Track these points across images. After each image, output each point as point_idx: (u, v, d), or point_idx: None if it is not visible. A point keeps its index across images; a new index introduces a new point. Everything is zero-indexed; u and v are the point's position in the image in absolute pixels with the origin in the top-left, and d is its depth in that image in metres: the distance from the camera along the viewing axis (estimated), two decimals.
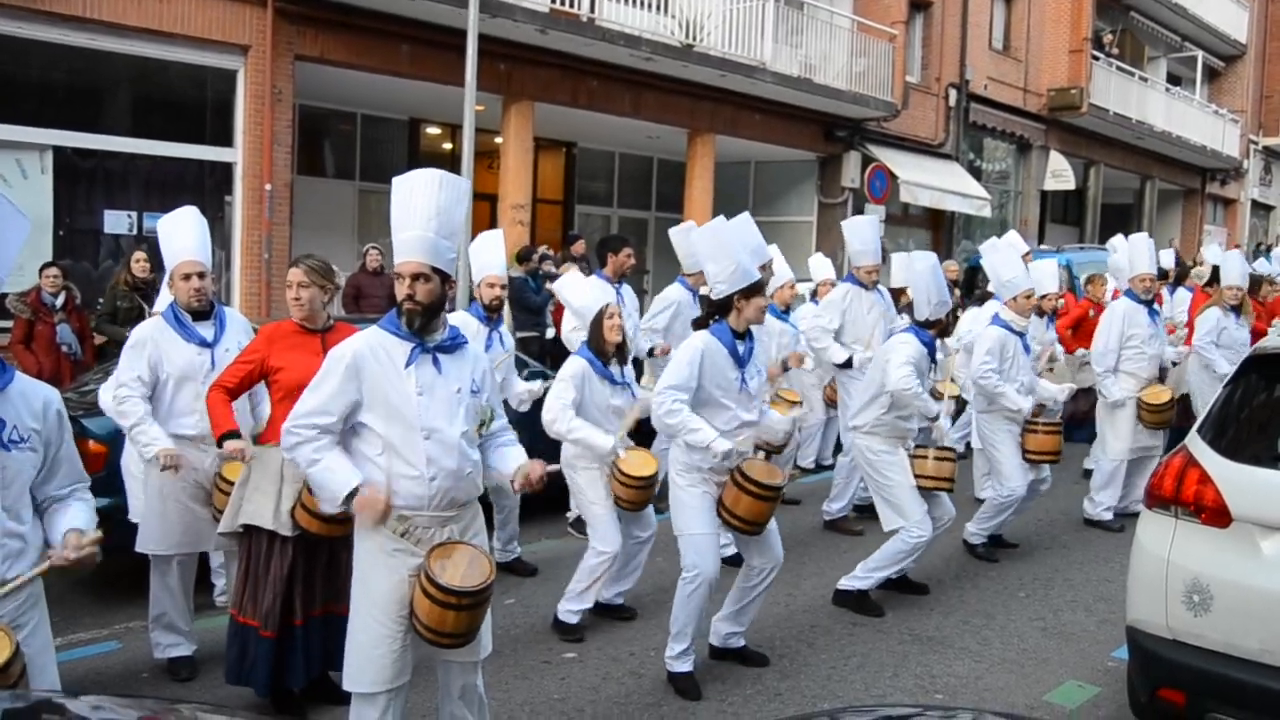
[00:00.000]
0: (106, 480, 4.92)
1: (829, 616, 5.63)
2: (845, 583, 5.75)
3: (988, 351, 6.43)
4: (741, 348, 4.54)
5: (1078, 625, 5.64)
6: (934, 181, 17.70)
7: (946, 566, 6.53)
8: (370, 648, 3.33)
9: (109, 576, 5.87)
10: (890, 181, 16.83)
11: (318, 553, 4.13)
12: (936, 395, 6.06)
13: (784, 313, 7.61)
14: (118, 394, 4.47)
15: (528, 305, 10.32)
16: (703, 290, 7.41)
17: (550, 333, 9.45)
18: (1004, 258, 6.79)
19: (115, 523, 4.71)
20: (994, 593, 6.14)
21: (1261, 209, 31.14)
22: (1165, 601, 3.77)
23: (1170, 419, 7.60)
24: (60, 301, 8.54)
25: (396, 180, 3.42)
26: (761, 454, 4.68)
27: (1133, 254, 7.76)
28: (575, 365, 5.18)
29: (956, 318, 7.72)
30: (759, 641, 5.09)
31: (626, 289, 7.26)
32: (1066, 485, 7.67)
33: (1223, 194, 29.01)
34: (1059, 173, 21.61)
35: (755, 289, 4.50)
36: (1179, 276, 11.75)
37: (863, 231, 7.39)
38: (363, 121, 14.22)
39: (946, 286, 5.88)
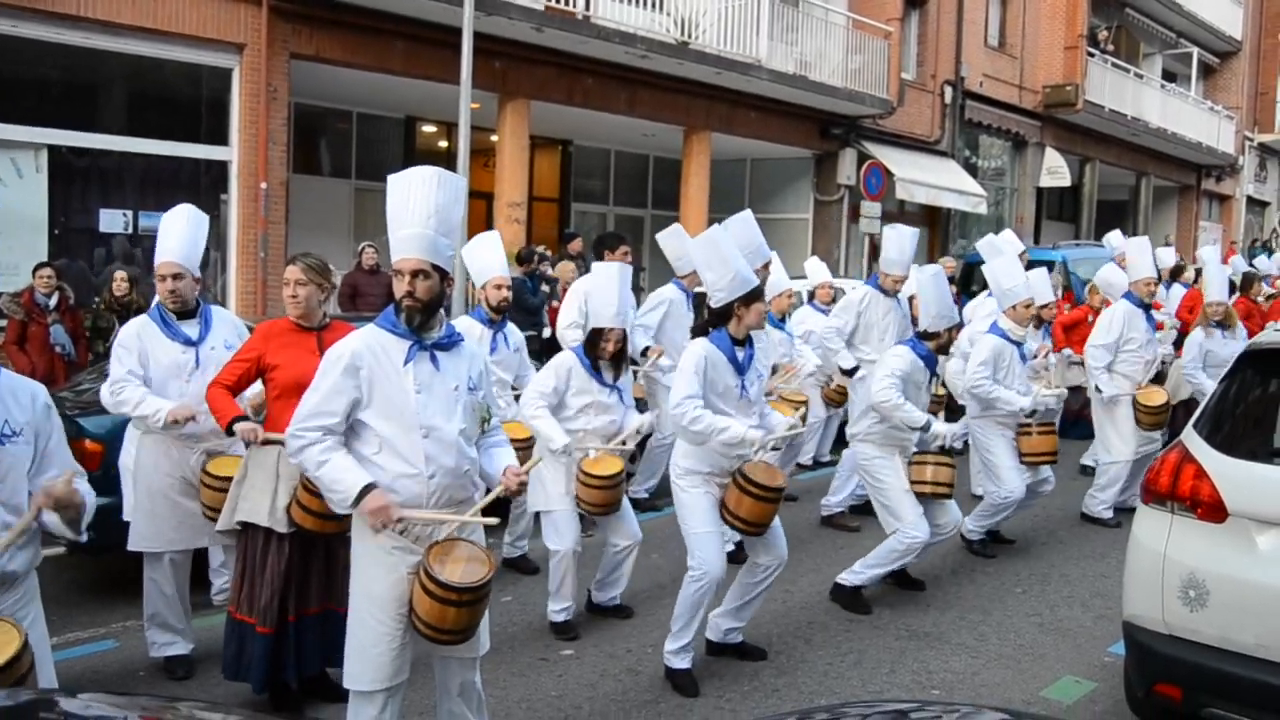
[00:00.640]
0: (103, 479, 4.90)
1: (826, 613, 5.64)
2: (841, 578, 5.76)
3: (982, 361, 6.43)
4: (741, 355, 4.54)
5: (1074, 621, 5.65)
6: (930, 178, 17.71)
7: (943, 563, 6.54)
8: (369, 646, 3.33)
9: (106, 576, 5.88)
10: (886, 179, 16.84)
11: (314, 550, 4.14)
12: (938, 402, 6.04)
13: (781, 321, 7.60)
14: (113, 388, 4.50)
15: (525, 305, 10.31)
16: (697, 289, 7.44)
17: (547, 332, 9.45)
18: (1005, 266, 6.75)
19: (112, 522, 4.73)
20: (991, 589, 6.15)
21: (1257, 205, 31.20)
22: (1161, 597, 3.78)
23: (1165, 420, 7.63)
24: (54, 302, 8.52)
25: (393, 178, 3.41)
26: (765, 453, 4.67)
27: (1133, 259, 7.79)
28: (564, 357, 5.23)
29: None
30: (756, 638, 5.09)
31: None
32: (1063, 482, 7.66)
33: (1218, 190, 29.05)
34: (1054, 169, 21.63)
35: (754, 295, 4.50)
36: (1174, 273, 11.78)
37: (903, 242, 7.34)
38: (358, 120, 14.21)
39: (951, 301, 5.88)
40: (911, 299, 8.29)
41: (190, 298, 4.64)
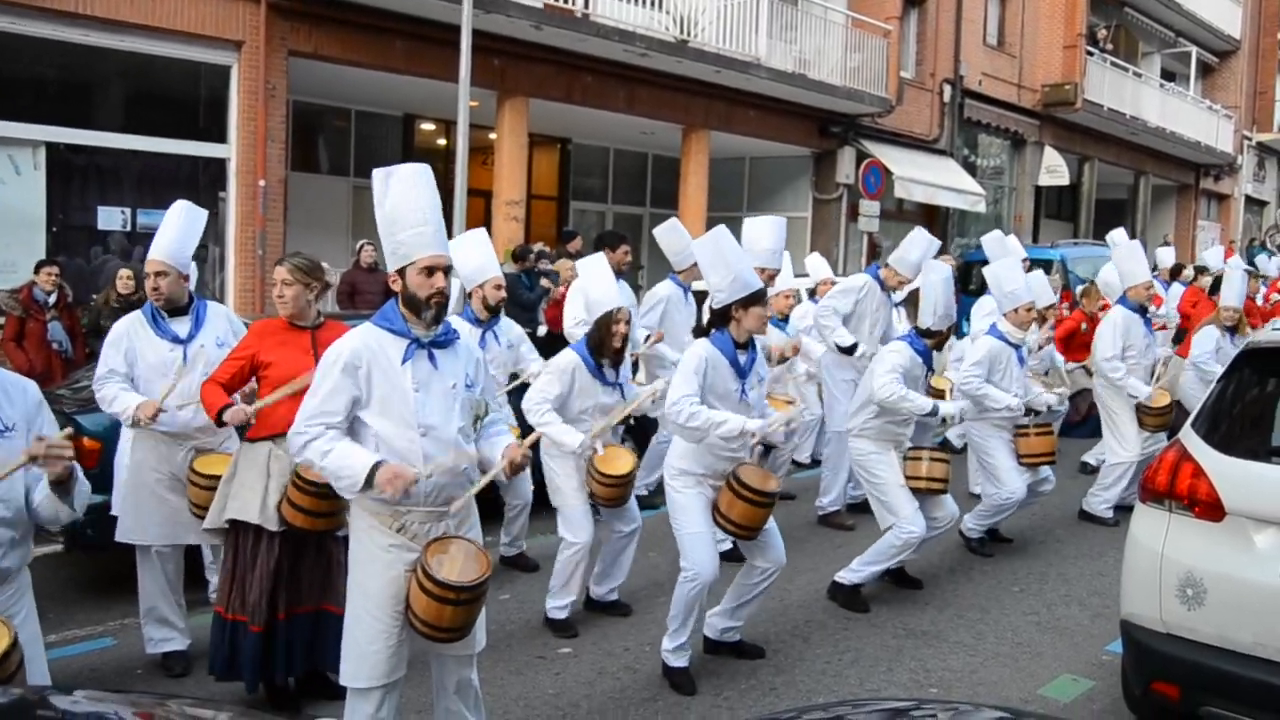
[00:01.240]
0: (101, 477, 4.89)
1: (823, 611, 5.64)
2: (840, 576, 5.76)
3: (975, 363, 6.41)
4: (743, 358, 4.53)
5: (1072, 619, 5.66)
6: (928, 177, 17.70)
7: (941, 561, 6.54)
8: (366, 643, 3.32)
9: (104, 574, 5.87)
10: (885, 177, 16.84)
11: (305, 548, 4.14)
12: (937, 396, 6.05)
13: (782, 321, 7.60)
14: (95, 386, 4.53)
15: (521, 302, 10.30)
16: (696, 285, 7.44)
17: (542, 330, 9.44)
18: (1007, 270, 6.73)
19: (111, 520, 4.73)
20: (988, 587, 6.15)
21: (1255, 204, 31.21)
22: (1159, 595, 3.78)
23: (1169, 422, 7.61)
24: (52, 299, 8.52)
25: (380, 176, 3.33)
26: (759, 453, 4.68)
27: (1126, 266, 7.70)
28: (567, 358, 5.18)
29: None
30: (754, 636, 5.09)
31: (624, 286, 7.26)
32: (1062, 481, 7.64)
33: (1217, 189, 29.06)
34: (1053, 168, 21.63)
35: (755, 299, 4.47)
36: (1173, 272, 11.79)
37: (920, 245, 7.32)
38: (357, 117, 14.20)
39: (954, 302, 5.89)
40: (909, 297, 8.29)
41: (177, 295, 4.63)
